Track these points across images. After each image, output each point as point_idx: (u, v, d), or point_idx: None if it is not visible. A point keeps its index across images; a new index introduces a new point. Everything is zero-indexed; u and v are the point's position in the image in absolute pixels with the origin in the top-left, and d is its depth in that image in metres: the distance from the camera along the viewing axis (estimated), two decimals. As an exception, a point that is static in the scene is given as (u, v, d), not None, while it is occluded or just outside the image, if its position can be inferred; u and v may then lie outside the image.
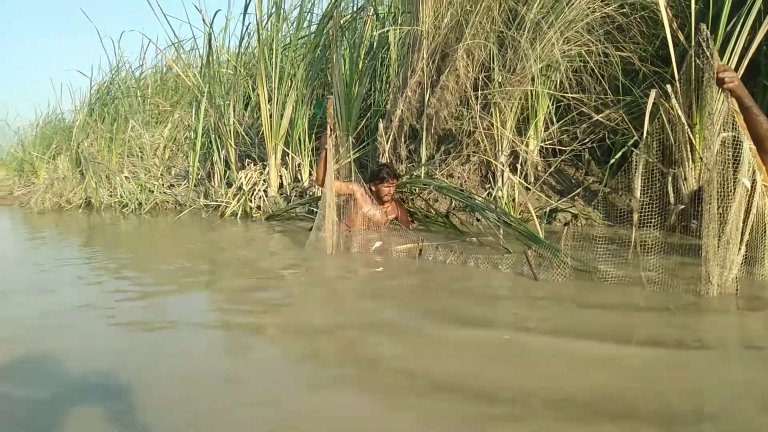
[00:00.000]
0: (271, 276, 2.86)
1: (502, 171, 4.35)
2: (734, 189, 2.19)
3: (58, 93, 26.10)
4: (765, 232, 2.33)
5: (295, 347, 1.78)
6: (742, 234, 2.25)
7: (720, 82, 2.19)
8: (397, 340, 1.79)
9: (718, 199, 2.14)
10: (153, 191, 7.13)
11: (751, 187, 2.27)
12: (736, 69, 3.33)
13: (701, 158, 3.39)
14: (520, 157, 4.38)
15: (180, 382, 1.49)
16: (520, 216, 4.11)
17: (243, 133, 6.18)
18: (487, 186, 4.48)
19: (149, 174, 7.55)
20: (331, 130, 3.45)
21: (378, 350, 1.71)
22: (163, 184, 7.21)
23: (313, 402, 1.35)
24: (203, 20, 6.86)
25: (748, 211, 2.27)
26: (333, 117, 3.53)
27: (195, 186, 6.54)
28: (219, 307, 2.30)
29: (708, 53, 2.20)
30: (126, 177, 7.58)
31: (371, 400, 1.36)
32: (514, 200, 4.29)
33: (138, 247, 4.23)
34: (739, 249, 2.21)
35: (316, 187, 5.23)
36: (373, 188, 3.87)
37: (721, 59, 3.37)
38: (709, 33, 2.22)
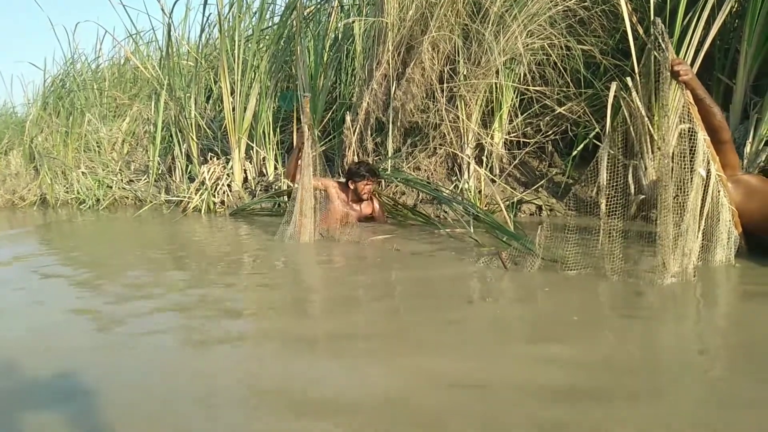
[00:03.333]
0: (242, 269, 2.81)
1: (468, 163, 4.37)
2: (691, 179, 2.25)
3: (8, 86, 25.01)
4: (719, 220, 2.42)
5: (268, 344, 1.75)
6: (699, 223, 2.32)
7: (675, 75, 2.26)
8: (380, 329, 1.77)
9: (674, 189, 2.19)
10: (111, 187, 6.91)
11: (707, 176, 2.35)
12: (692, 62, 3.43)
13: (659, 149, 3.48)
14: (486, 150, 4.41)
15: (143, 384, 1.44)
16: (486, 207, 4.14)
17: (205, 127, 6.04)
18: (454, 178, 4.50)
19: (107, 169, 7.32)
20: (308, 129, 3.42)
21: (365, 345, 1.69)
22: (122, 180, 7.00)
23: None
24: (162, 10, 6.68)
25: (703, 200, 2.34)
26: (309, 116, 3.50)
27: (155, 181, 6.37)
28: (186, 304, 2.23)
29: (663, 46, 2.25)
30: (83, 172, 7.33)
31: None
32: (480, 192, 4.32)
33: (97, 244, 4.09)
34: (697, 237, 2.28)
35: (282, 180, 5.17)
36: (352, 186, 3.85)
37: (678, 53, 3.46)
38: (664, 27, 2.28)
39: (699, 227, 2.31)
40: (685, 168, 2.24)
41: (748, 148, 3.44)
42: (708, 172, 2.34)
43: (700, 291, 2.09)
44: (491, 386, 1.35)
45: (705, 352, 1.55)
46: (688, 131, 2.29)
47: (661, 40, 2.24)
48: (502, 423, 1.17)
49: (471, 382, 1.37)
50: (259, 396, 1.32)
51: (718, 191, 2.39)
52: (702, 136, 2.30)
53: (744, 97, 3.59)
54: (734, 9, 3.70)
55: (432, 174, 4.57)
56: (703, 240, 2.37)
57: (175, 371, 1.49)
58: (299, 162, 3.50)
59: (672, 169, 2.20)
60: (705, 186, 2.34)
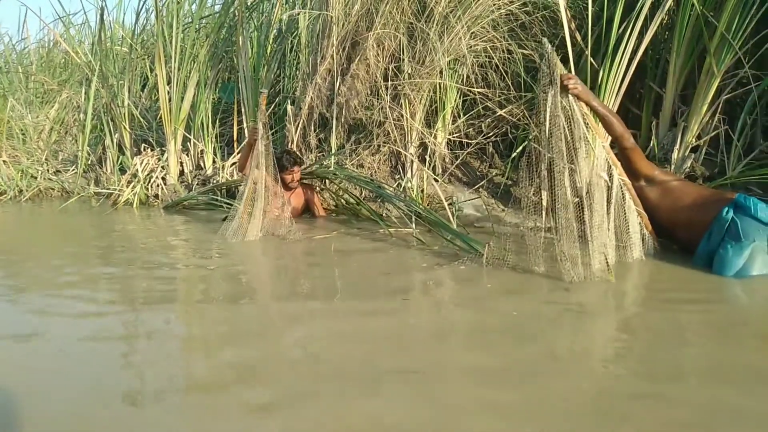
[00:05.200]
0: (177, 266, 2.68)
1: (412, 162, 4.37)
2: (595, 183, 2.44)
3: None
4: (626, 221, 2.56)
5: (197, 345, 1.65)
6: (608, 223, 2.48)
7: (564, 89, 2.40)
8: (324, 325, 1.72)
9: (572, 191, 2.38)
10: (36, 177, 6.47)
11: (610, 179, 2.50)
12: (626, 70, 3.56)
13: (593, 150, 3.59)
14: (429, 149, 4.42)
15: (64, 397, 1.32)
16: (428, 206, 4.15)
17: (139, 116, 5.76)
18: (397, 177, 4.49)
19: (32, 158, 6.84)
20: (263, 126, 3.38)
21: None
22: (48, 170, 6.56)
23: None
24: (96, -8, 6.33)
25: (609, 202, 2.50)
26: (264, 113, 3.45)
27: (84, 172, 6.01)
28: (111, 303, 2.09)
29: (550, 65, 2.40)
30: (5, 161, 6.82)
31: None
32: (423, 191, 4.33)
33: (17, 238, 3.81)
34: (608, 237, 2.44)
35: (220, 174, 5.01)
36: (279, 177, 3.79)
37: (613, 61, 3.58)
38: (550, 47, 2.40)
39: (608, 227, 2.47)
40: (589, 171, 2.40)
41: (675, 155, 3.61)
42: (610, 176, 2.50)
43: (611, 289, 2.20)
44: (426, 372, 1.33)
45: (613, 341, 1.59)
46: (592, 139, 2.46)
47: (547, 58, 2.39)
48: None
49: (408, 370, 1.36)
50: None
51: (623, 194, 2.54)
52: (600, 143, 2.47)
53: (673, 105, 3.76)
54: (665, 21, 3.87)
55: (375, 172, 4.54)
56: (616, 241, 2.53)
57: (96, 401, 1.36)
58: (250, 156, 3.47)
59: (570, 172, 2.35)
60: (609, 189, 2.49)
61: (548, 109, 2.38)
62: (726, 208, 2.38)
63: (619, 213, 2.54)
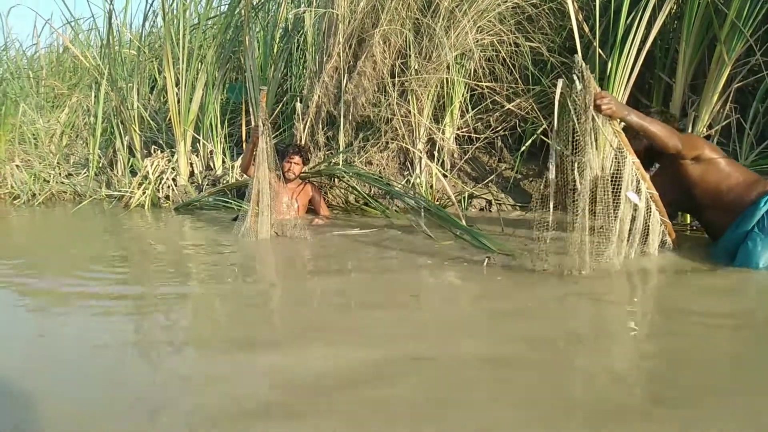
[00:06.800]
0: (193, 265, 2.70)
1: (420, 158, 4.37)
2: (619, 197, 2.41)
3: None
4: (648, 230, 2.53)
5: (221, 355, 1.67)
6: (630, 230, 2.47)
7: (597, 109, 2.28)
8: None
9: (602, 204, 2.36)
10: (48, 181, 6.54)
11: (639, 194, 2.44)
12: (635, 60, 3.53)
13: (610, 144, 3.56)
14: (437, 145, 4.41)
15: (79, 399, 1.34)
16: (437, 202, 4.15)
17: (148, 118, 5.80)
18: (406, 173, 4.49)
19: (44, 162, 6.92)
20: (263, 123, 3.35)
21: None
22: (60, 173, 6.63)
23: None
24: (103, -4, 6.36)
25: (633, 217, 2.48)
26: (265, 110, 3.43)
27: (96, 175, 6.07)
28: (126, 307, 2.11)
29: (584, 83, 2.29)
30: (17, 166, 6.90)
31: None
32: (431, 187, 4.33)
33: (33, 241, 3.86)
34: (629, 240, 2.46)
35: (230, 174, 5.04)
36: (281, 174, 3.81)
37: (621, 51, 3.55)
38: (584, 63, 2.31)
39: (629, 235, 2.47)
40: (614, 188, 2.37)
41: (686, 145, 3.57)
42: (638, 191, 2.43)
43: (625, 284, 2.24)
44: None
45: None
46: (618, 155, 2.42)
47: (580, 77, 2.29)
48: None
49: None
50: None
51: (649, 208, 2.49)
52: (631, 159, 2.39)
53: (683, 95, 3.73)
54: (673, 10, 3.83)
55: (384, 169, 4.54)
56: (636, 238, 2.51)
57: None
58: (254, 155, 3.45)
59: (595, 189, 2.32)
60: (635, 206, 2.46)
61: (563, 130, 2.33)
62: (765, 198, 2.29)
63: (644, 226, 2.51)
